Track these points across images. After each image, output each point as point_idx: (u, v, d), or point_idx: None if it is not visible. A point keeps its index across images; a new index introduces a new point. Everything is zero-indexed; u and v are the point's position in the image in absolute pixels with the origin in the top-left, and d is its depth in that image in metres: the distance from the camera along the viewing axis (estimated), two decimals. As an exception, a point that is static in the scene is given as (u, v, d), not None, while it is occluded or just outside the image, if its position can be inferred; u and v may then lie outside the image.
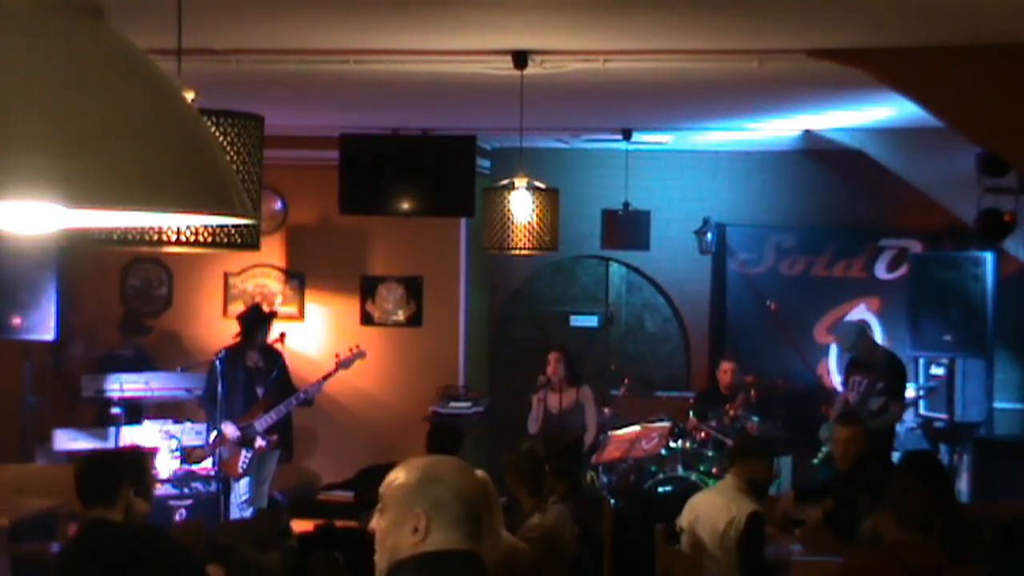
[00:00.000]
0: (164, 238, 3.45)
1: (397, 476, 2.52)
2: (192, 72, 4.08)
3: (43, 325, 8.19)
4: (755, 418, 8.92)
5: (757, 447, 6.12)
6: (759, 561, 5.63)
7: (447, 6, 5.05)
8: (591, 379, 9.97)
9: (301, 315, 10.19)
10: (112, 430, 8.21)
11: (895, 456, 9.03)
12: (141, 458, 5.11)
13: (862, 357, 8.79)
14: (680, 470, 8.60)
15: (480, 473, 4.83)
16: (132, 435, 8.23)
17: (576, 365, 9.26)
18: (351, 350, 8.74)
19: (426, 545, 2.45)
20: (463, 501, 2.46)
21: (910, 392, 9.98)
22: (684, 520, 5.81)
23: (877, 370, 8.57)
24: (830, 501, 6.28)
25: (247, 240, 3.72)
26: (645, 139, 10.07)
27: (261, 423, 8.28)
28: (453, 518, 2.46)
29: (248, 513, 8.17)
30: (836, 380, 10.30)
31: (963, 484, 9.26)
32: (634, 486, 8.62)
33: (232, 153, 3.65)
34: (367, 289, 10.24)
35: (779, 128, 9.44)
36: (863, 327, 9.27)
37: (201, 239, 3.51)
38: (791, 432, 9.01)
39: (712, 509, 5.72)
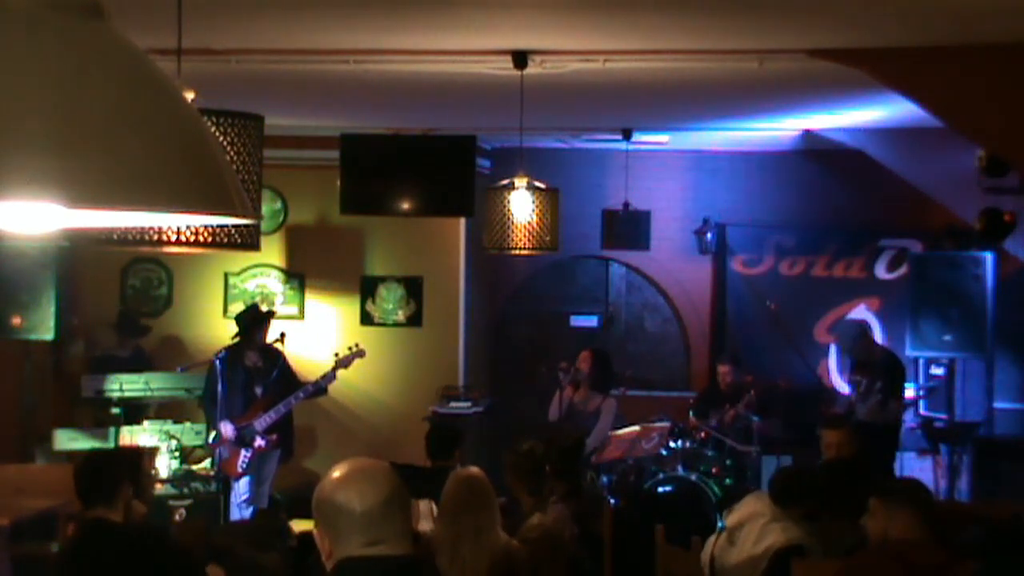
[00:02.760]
0: (164, 238, 3.46)
1: None
2: (192, 72, 4.08)
3: (43, 325, 8.17)
4: (755, 418, 8.92)
5: (795, 496, 5.31)
6: None
7: (447, 6, 5.05)
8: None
9: (301, 315, 10.19)
10: (112, 430, 8.21)
11: (897, 456, 9.04)
12: (138, 458, 5.11)
13: (861, 358, 8.80)
14: (680, 470, 8.59)
15: (475, 470, 4.85)
16: (132, 435, 8.23)
17: (607, 373, 9.06)
18: (350, 349, 8.74)
19: (332, 559, 2.61)
20: (348, 513, 2.57)
21: (910, 392, 9.98)
22: (733, 518, 5.56)
23: (876, 370, 8.59)
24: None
25: (247, 240, 3.72)
26: (645, 139, 10.07)
27: (260, 423, 8.28)
28: (346, 530, 2.57)
29: (248, 513, 8.17)
30: (836, 380, 10.30)
31: (963, 484, 9.26)
32: (634, 486, 8.62)
33: (232, 153, 3.65)
34: (367, 289, 10.24)
35: (779, 128, 9.44)
36: (864, 328, 9.28)
37: (201, 239, 3.51)
38: (791, 432, 9.00)
39: (757, 526, 5.35)
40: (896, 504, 4.41)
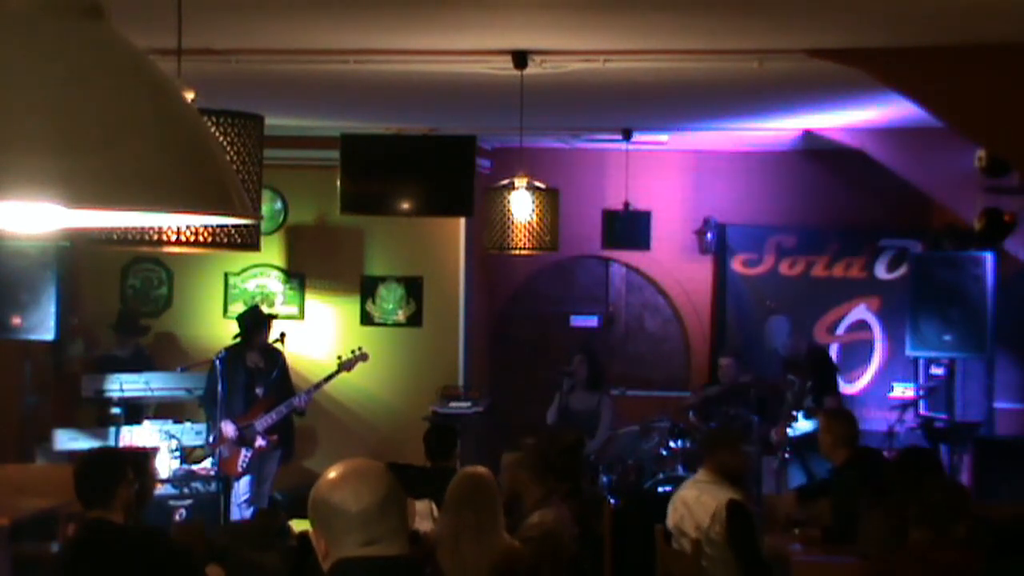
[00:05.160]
0: (164, 238, 3.46)
1: None
2: (192, 72, 4.08)
3: (43, 325, 8.17)
4: (755, 418, 8.92)
5: (723, 437, 6.23)
6: (752, 547, 5.64)
7: (447, 6, 5.05)
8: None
9: (301, 315, 10.19)
10: (112, 430, 8.21)
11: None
12: (145, 459, 5.11)
13: (790, 356, 8.90)
14: (680, 470, 8.59)
15: (481, 469, 4.85)
16: (132, 435, 8.23)
17: (600, 373, 9.39)
18: (353, 352, 8.73)
19: (329, 560, 2.60)
20: (343, 513, 2.56)
21: (909, 392, 9.99)
22: (670, 520, 5.84)
23: (804, 369, 8.65)
24: (823, 504, 6.29)
25: (247, 240, 3.72)
26: (645, 139, 10.06)
27: (261, 423, 8.29)
28: (342, 531, 2.57)
29: (249, 513, 8.17)
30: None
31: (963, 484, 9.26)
32: (634, 486, 8.63)
33: (232, 153, 3.65)
34: (367, 289, 10.24)
35: (779, 128, 9.44)
36: (791, 326, 9.40)
37: (201, 239, 3.51)
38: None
39: (693, 505, 5.75)
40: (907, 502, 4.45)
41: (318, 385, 8.65)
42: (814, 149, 10.42)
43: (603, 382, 9.39)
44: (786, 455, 8.51)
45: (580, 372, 9.18)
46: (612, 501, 7.83)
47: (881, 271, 10.67)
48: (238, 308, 9.59)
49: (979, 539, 4.36)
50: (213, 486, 8.11)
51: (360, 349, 8.77)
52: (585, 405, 9.13)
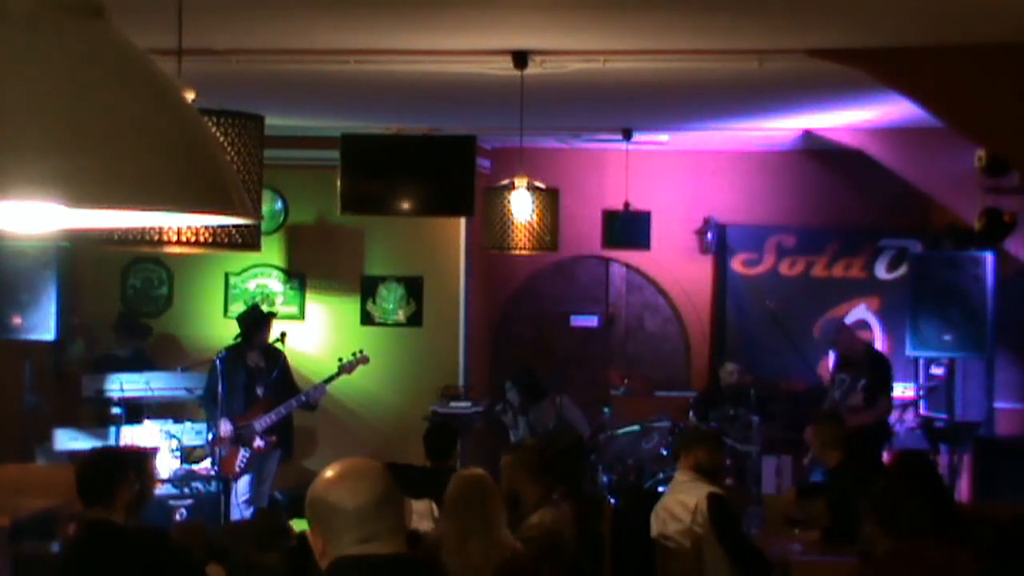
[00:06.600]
0: (164, 238, 3.46)
1: None
2: (192, 72, 4.08)
3: (43, 325, 8.18)
4: (755, 418, 8.92)
5: (697, 435, 6.30)
6: (738, 536, 5.65)
7: (447, 6, 5.05)
8: (591, 380, 9.98)
9: (301, 315, 10.19)
10: (112, 430, 8.21)
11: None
12: (145, 459, 5.10)
13: (844, 353, 8.88)
14: (680, 470, 8.59)
15: (479, 471, 4.87)
16: (132, 435, 8.23)
17: (533, 384, 9.07)
18: (354, 355, 8.72)
19: (326, 558, 2.61)
20: (340, 511, 2.57)
21: (909, 392, 9.98)
22: (653, 530, 5.85)
23: (861, 367, 8.64)
24: (823, 504, 6.30)
25: (247, 240, 3.72)
26: (645, 139, 10.06)
27: (260, 423, 8.28)
28: (339, 529, 2.58)
29: (249, 513, 8.17)
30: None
31: (963, 484, 9.26)
32: (634, 486, 8.62)
33: (232, 153, 3.65)
34: (367, 289, 10.25)
35: (779, 128, 9.44)
36: (843, 323, 9.39)
37: (201, 239, 3.51)
38: (791, 432, 9.00)
39: (673, 508, 5.77)
40: (878, 511, 4.44)
41: (325, 383, 8.63)
42: (814, 149, 10.43)
43: (544, 391, 9.05)
44: None
45: (513, 399, 8.96)
46: (612, 501, 7.83)
47: (881, 271, 10.67)
48: (238, 308, 9.59)
49: (978, 539, 4.36)
50: (213, 486, 8.11)
51: (361, 352, 8.76)
52: (544, 422, 8.87)
